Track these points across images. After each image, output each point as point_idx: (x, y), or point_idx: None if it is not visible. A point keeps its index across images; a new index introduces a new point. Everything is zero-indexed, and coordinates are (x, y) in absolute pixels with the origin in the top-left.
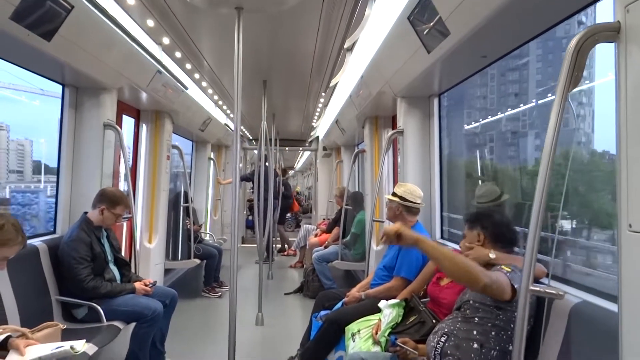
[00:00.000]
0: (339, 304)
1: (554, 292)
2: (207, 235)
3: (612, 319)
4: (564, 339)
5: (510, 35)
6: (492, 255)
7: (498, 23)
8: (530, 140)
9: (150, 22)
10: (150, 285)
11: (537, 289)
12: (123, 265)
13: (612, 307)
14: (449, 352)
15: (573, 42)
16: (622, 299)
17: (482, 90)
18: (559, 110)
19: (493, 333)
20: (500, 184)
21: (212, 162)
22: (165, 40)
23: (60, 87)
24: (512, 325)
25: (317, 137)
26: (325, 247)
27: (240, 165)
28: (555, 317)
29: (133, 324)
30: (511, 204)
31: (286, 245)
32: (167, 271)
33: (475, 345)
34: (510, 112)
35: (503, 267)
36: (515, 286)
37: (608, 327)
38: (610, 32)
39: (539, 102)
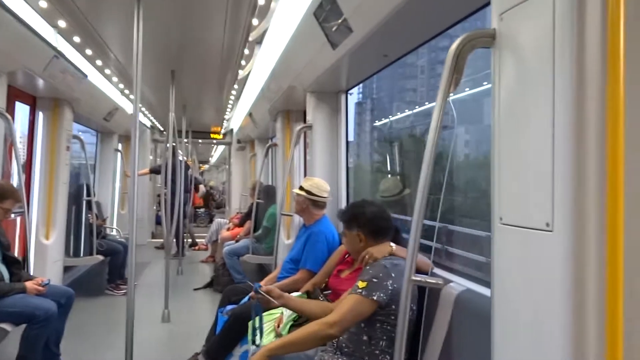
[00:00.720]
0: (246, 298)
1: (434, 281)
2: (114, 230)
3: (489, 304)
4: (449, 326)
5: (409, 35)
6: (392, 245)
7: (397, 23)
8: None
9: (43, 3)
10: (43, 284)
11: (419, 279)
12: (13, 263)
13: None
14: (343, 345)
15: (453, 46)
16: (494, 285)
17: (411, 83)
18: (440, 111)
19: (378, 325)
20: (408, 178)
21: (119, 153)
22: (62, 24)
23: None
24: (393, 318)
25: (232, 130)
26: (237, 241)
27: (151, 157)
28: (441, 306)
29: (23, 326)
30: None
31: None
32: (67, 269)
33: (365, 337)
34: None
35: (359, 284)
36: (374, 297)
37: (487, 312)
38: (487, 38)
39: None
